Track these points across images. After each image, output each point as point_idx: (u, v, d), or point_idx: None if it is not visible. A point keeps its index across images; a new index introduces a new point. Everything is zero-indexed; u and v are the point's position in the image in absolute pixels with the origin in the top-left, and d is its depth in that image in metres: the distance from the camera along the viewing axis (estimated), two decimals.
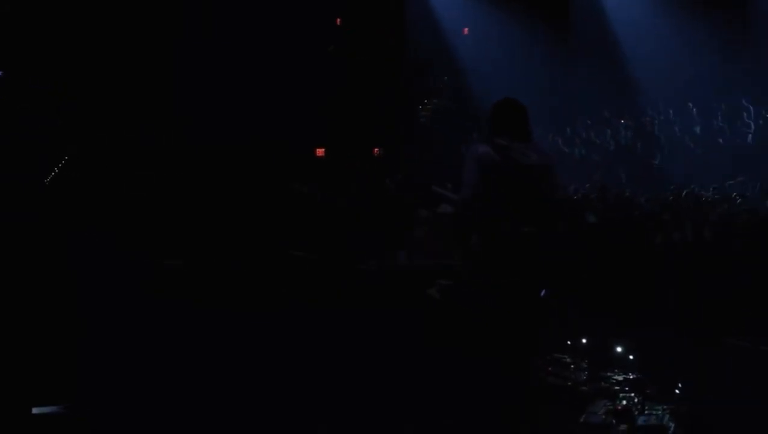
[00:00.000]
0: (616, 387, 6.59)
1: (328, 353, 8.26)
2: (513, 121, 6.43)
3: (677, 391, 6.33)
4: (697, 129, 18.02)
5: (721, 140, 17.34)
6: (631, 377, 6.75)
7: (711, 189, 14.66)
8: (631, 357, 7.29)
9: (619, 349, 7.51)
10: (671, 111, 18.61)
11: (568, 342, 7.66)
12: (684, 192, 14.98)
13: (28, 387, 5.59)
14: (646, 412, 6.04)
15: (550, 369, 7.16)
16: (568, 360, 7.26)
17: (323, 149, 22.04)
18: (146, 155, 18.27)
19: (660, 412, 6.01)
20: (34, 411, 5.67)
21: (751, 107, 16.84)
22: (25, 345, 5.72)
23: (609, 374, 6.88)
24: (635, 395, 6.30)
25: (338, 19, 22.57)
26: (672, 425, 5.87)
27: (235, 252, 16.23)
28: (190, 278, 13.19)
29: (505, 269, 6.29)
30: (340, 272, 13.58)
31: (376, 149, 22.79)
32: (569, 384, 6.89)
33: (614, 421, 5.92)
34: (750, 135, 16.82)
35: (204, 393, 7.06)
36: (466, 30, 22.17)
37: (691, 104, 18.08)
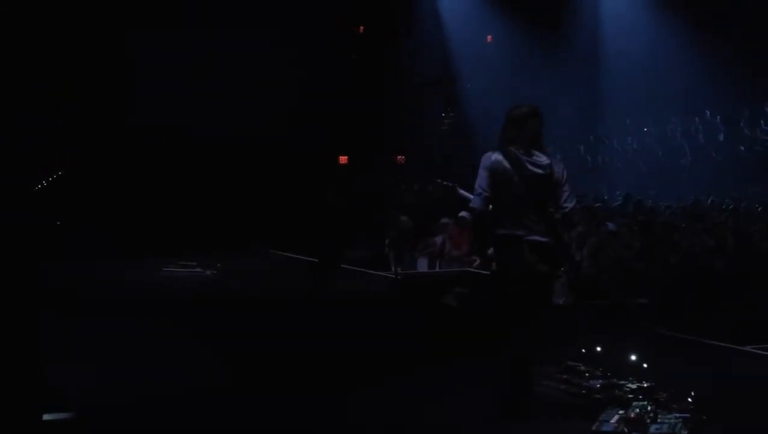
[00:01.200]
0: (630, 395, 6.54)
1: (349, 355, 8.28)
2: (526, 128, 6.41)
3: (690, 400, 6.27)
4: (720, 136, 17.95)
5: (742, 147, 17.24)
6: (645, 385, 6.69)
7: (731, 196, 14.59)
8: (645, 364, 7.24)
9: (634, 357, 7.47)
10: (697, 118, 18.54)
11: (583, 350, 7.61)
12: (710, 199, 14.93)
13: (38, 393, 5.61)
14: (658, 421, 5.99)
15: (564, 377, 7.13)
16: (583, 367, 7.21)
17: (346, 157, 22.10)
18: (171, 160, 18.41)
19: (672, 421, 5.96)
20: (45, 417, 5.68)
21: None
22: (33, 350, 5.73)
23: (623, 382, 6.82)
24: (648, 403, 6.25)
25: (361, 28, 22.64)
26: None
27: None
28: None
29: (516, 276, 6.29)
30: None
31: (399, 157, 22.84)
32: (583, 392, 6.85)
33: (626, 430, 5.87)
34: None
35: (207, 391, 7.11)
36: (489, 37, 22.17)
37: (708, 112, 18.00)
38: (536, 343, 6.36)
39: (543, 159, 6.36)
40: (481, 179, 6.40)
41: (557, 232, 6.35)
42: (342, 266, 13.26)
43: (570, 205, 6.39)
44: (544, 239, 6.29)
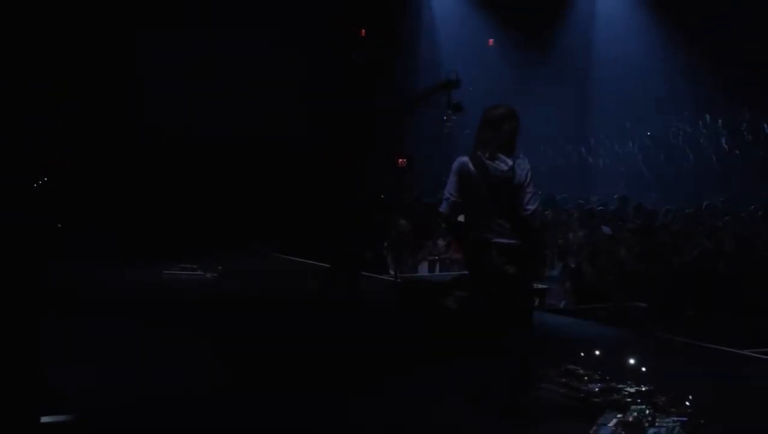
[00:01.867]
0: (628, 399, 6.55)
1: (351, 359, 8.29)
2: (502, 131, 6.43)
3: (688, 403, 6.28)
4: (723, 140, 17.96)
5: (737, 152, 17.25)
6: (644, 389, 6.71)
7: (730, 200, 14.61)
8: (644, 368, 7.25)
9: (632, 360, 7.48)
10: (700, 122, 18.55)
11: (582, 353, 7.63)
12: (705, 204, 14.94)
13: (35, 395, 5.61)
14: (656, 424, 6.00)
15: (563, 380, 7.14)
16: (581, 371, 7.22)
17: (349, 158, 21.99)
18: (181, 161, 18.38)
19: (671, 424, 5.98)
20: (43, 420, 5.68)
21: None
22: (33, 350, 5.73)
23: (622, 385, 6.83)
24: (647, 407, 6.27)
25: (363, 31, 22.56)
26: None
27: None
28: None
29: (485, 278, 6.38)
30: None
31: (401, 160, 22.77)
32: (582, 395, 6.86)
33: (624, 433, 5.89)
34: None
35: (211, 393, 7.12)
36: (491, 41, 22.16)
37: (709, 116, 18.00)
38: (522, 344, 6.39)
39: (506, 162, 6.36)
40: (450, 184, 6.51)
41: (526, 233, 6.37)
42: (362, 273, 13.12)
43: (532, 207, 6.41)
44: (511, 241, 6.33)
